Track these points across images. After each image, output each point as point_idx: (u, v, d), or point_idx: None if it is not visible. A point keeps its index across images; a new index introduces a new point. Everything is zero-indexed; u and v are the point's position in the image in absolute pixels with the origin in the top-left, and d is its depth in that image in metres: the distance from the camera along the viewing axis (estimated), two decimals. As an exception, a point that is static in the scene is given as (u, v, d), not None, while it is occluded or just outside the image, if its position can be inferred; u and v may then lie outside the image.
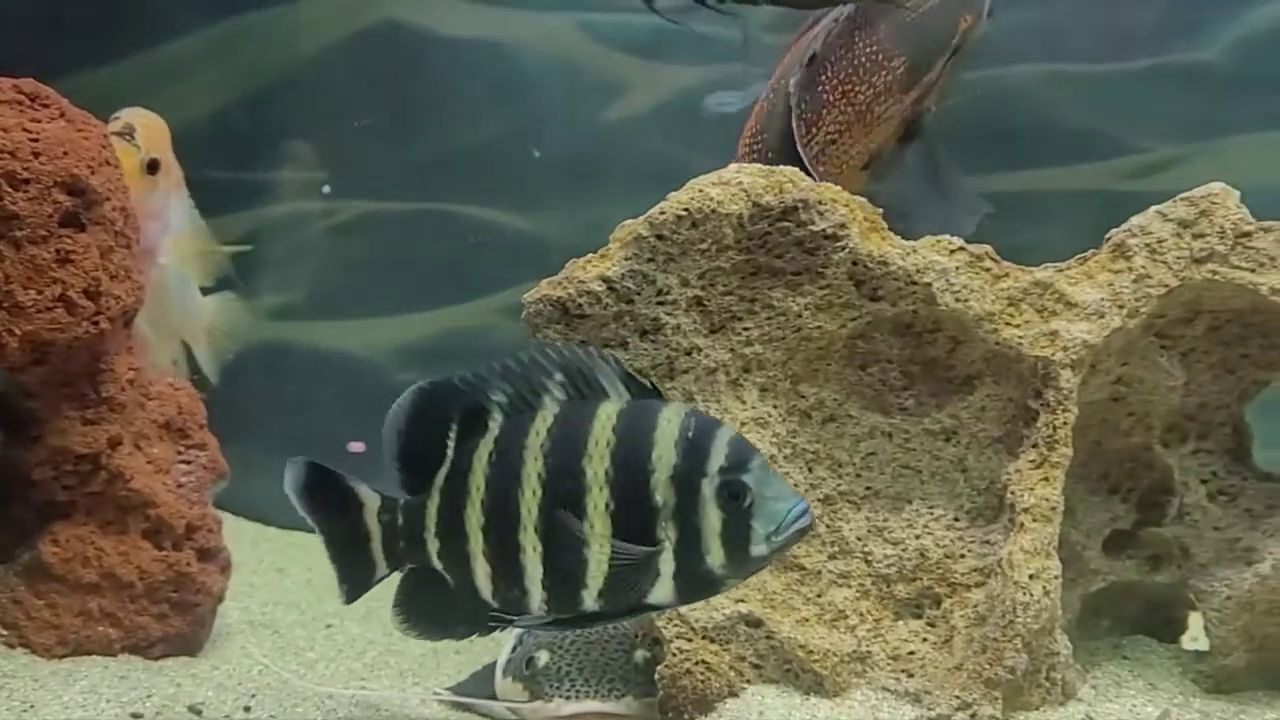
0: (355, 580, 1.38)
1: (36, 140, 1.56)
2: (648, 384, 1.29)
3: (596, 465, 1.24)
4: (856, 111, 2.13)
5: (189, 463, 1.90)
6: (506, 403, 1.31)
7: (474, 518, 1.29)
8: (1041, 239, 2.15)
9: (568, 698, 1.63)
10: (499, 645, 2.26)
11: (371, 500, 1.35)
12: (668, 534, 1.23)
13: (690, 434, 1.24)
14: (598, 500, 1.24)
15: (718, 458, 1.23)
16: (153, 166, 1.92)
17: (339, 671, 1.95)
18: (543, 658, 1.68)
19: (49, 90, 1.65)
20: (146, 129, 1.92)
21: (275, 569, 2.34)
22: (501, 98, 2.70)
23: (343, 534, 1.35)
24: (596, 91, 2.69)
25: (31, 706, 1.56)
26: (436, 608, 1.38)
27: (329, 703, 1.75)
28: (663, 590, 1.26)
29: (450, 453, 1.32)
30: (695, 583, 1.26)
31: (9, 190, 1.53)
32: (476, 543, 1.29)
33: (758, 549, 1.23)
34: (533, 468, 1.27)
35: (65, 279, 1.60)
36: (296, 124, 2.68)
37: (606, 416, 1.27)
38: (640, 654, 1.68)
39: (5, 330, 1.56)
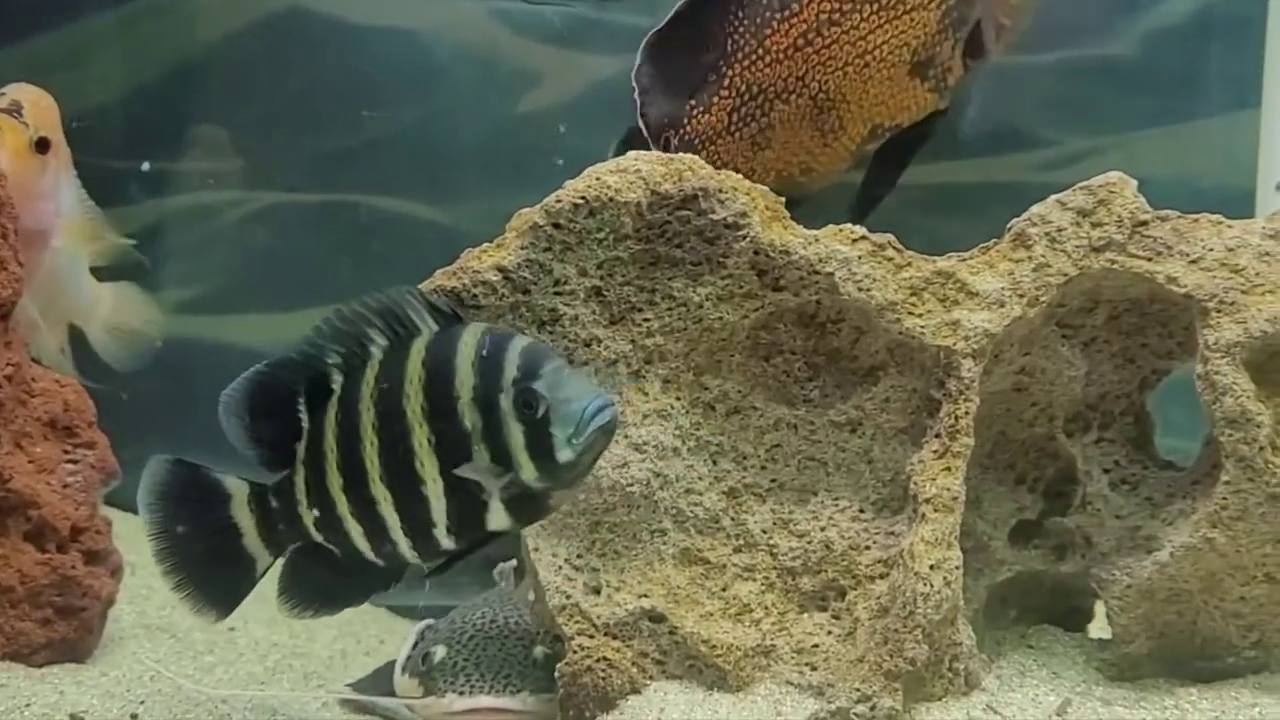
0: (229, 589, 1.34)
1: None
2: (450, 311, 1.33)
3: (414, 403, 1.26)
4: None
5: (76, 462, 1.82)
6: (342, 361, 1.31)
7: (334, 481, 1.28)
8: (958, 231, 2.15)
9: (461, 693, 1.60)
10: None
11: (240, 489, 1.32)
12: (480, 456, 1.24)
13: (484, 352, 1.27)
14: (421, 437, 1.25)
15: (510, 370, 1.25)
16: (42, 145, 1.84)
17: (238, 675, 1.90)
18: (439, 653, 1.65)
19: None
20: (35, 106, 1.83)
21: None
22: (413, 87, 2.64)
23: (208, 540, 1.31)
24: (510, 81, 2.65)
25: (-107, 721, 1.48)
26: (323, 582, 1.38)
27: (222, 707, 1.69)
28: (497, 515, 1.28)
29: (305, 424, 1.29)
30: (521, 502, 1.29)
31: None
32: (343, 505, 1.28)
33: (563, 454, 1.25)
34: (367, 419, 1.27)
35: (-66, 270, 1.53)
36: (199, 112, 2.59)
37: (416, 353, 1.29)
38: (539, 649, 1.65)
39: None
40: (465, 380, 1.27)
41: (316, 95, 2.61)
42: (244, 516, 1.32)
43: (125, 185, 2.46)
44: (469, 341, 1.29)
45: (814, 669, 1.57)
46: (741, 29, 1.98)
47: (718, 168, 1.60)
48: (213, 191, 2.59)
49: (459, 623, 1.74)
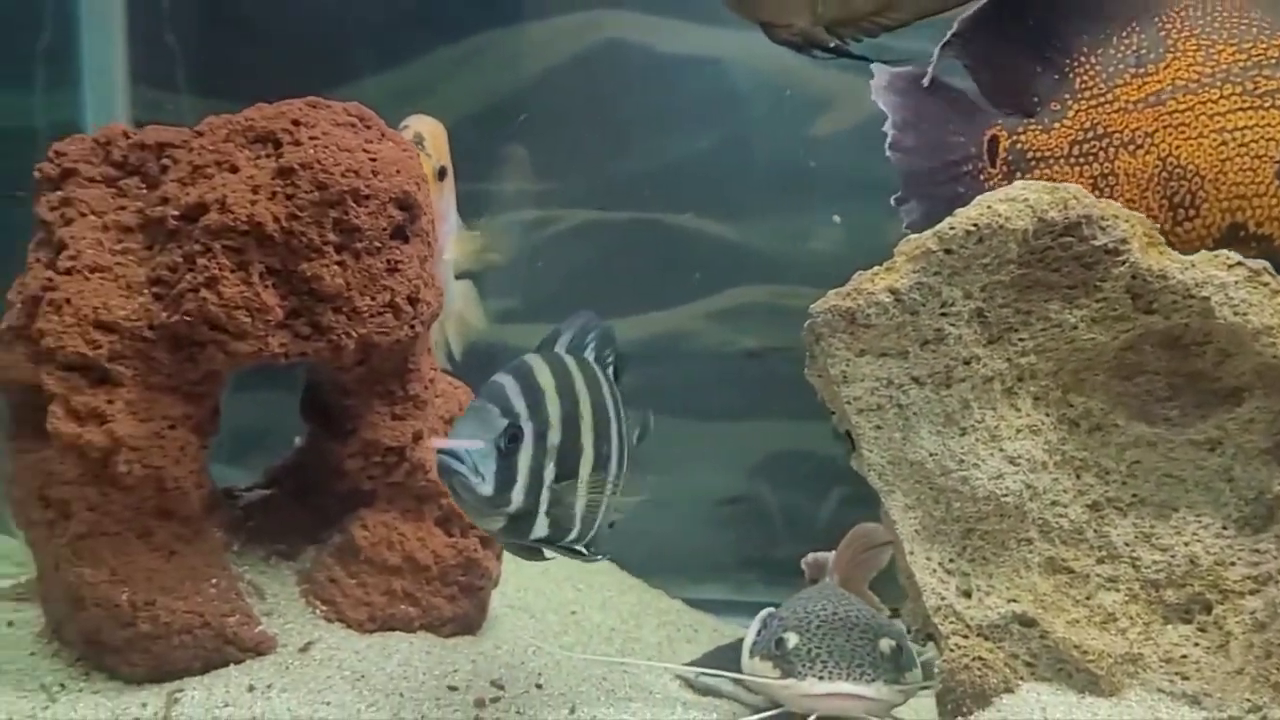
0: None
1: (375, 160, 1.71)
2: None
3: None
4: None
5: (467, 457, 2.04)
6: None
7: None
8: None
9: (820, 678, 1.74)
10: (722, 636, 2.38)
11: None
12: None
13: None
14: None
15: None
16: (442, 173, 2.07)
17: (595, 653, 2.08)
18: (792, 639, 1.78)
19: (371, 113, 1.81)
20: (434, 137, 2.06)
21: (510, 558, 2.48)
22: (713, 112, 2.82)
23: None
24: (804, 106, 2.78)
25: (362, 676, 1.71)
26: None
27: (605, 683, 1.87)
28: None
29: None
30: None
31: (353, 205, 1.68)
32: None
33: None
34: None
35: (393, 286, 1.75)
36: (523, 137, 2.83)
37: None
38: (885, 643, 1.77)
39: (344, 333, 1.71)
40: None
41: (627, 121, 2.81)
42: None
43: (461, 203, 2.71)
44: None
45: (1185, 678, 1.63)
46: (1089, 67, 2.02)
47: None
48: (532, 210, 2.82)
49: (803, 612, 1.86)
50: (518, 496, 1.43)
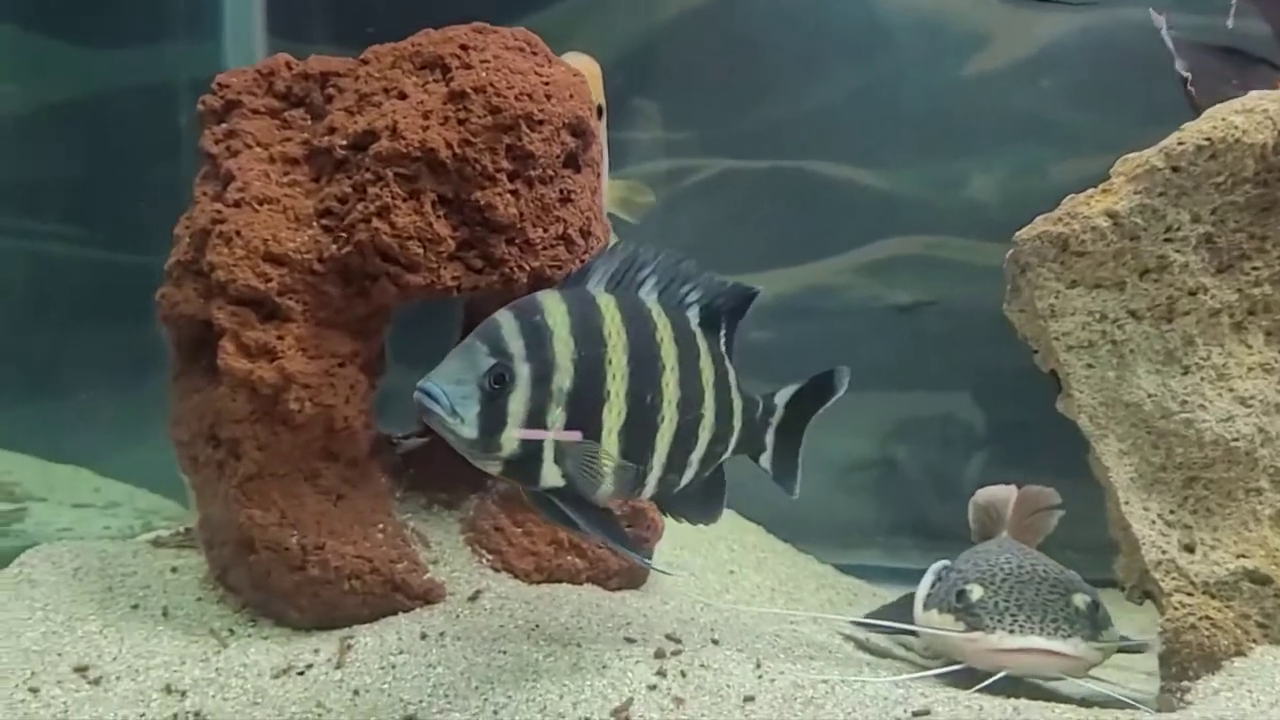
0: None
1: (548, 84, 1.62)
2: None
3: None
4: None
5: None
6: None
7: None
8: None
9: (1011, 631, 1.61)
10: (881, 600, 2.27)
11: None
12: None
13: None
14: None
15: None
16: (600, 112, 1.97)
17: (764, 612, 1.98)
18: (975, 591, 1.66)
19: (537, 38, 1.72)
20: (591, 75, 1.96)
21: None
22: (858, 53, 2.68)
23: None
24: (958, 44, 2.63)
25: (536, 626, 1.63)
26: None
27: (779, 640, 1.77)
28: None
29: None
30: None
31: (527, 131, 1.59)
32: None
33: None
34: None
35: (566, 217, 1.66)
36: (658, 83, 2.73)
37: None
38: (1079, 598, 1.64)
39: (517, 266, 1.63)
40: None
41: (768, 63, 2.68)
42: None
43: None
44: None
45: None
46: None
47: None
48: (667, 159, 2.71)
49: (985, 565, 1.74)
50: (510, 442, 1.31)
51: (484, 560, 1.79)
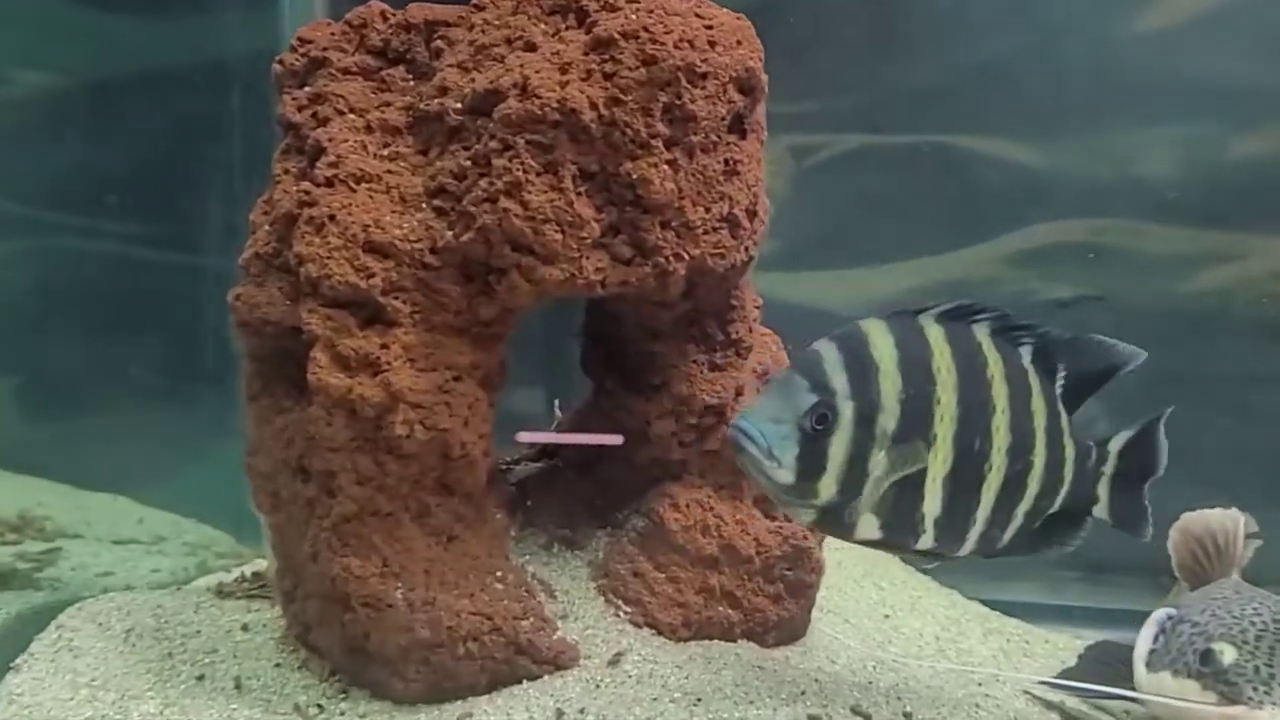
0: None
1: (711, 28, 1.31)
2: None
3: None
4: None
5: (784, 420, 1.63)
6: None
7: None
8: None
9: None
10: (1057, 648, 1.94)
11: None
12: None
13: None
14: None
15: None
16: None
17: (939, 671, 1.65)
18: (1228, 653, 1.34)
19: (690, -24, 1.40)
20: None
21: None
22: (1011, 7, 2.33)
23: None
24: (1123, -1, 2.28)
25: (697, 700, 1.32)
26: None
27: (976, 710, 1.45)
28: None
29: None
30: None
31: (688, 87, 1.28)
32: None
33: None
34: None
35: (732, 194, 1.35)
36: (774, 48, 2.41)
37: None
38: None
39: (674, 255, 1.31)
40: None
41: (907, 23, 2.35)
42: None
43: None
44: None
45: None
46: None
47: None
48: (794, 134, 2.39)
49: (1228, 617, 1.43)
50: (828, 488, 1.20)
51: (621, 613, 1.47)
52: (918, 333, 1.25)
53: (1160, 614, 1.55)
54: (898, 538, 1.26)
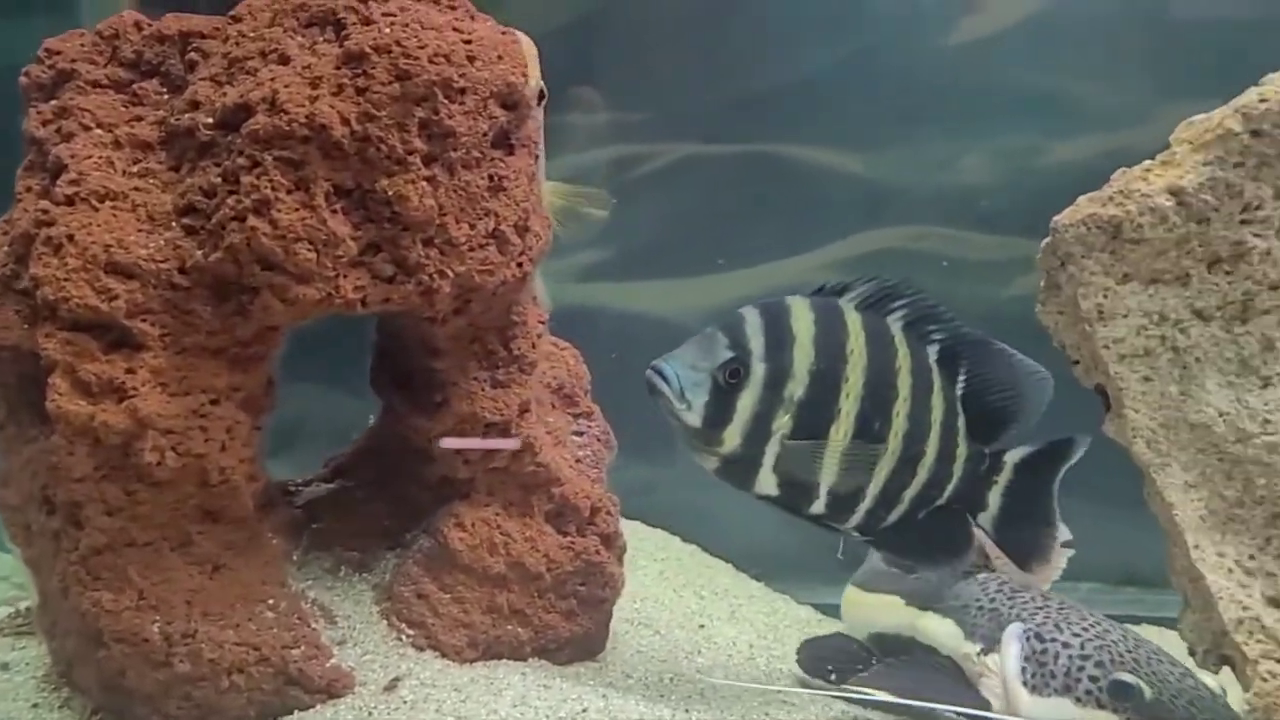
0: None
1: (470, 43, 1.29)
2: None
3: None
4: None
5: (582, 433, 1.63)
6: None
7: None
8: None
9: None
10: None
11: None
12: None
13: None
14: None
15: None
16: (540, 96, 1.62)
17: (743, 680, 1.66)
18: (1144, 689, 1.31)
19: (453, -13, 1.38)
20: (529, 56, 1.61)
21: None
22: (835, 19, 2.37)
23: None
24: (943, 8, 2.33)
25: (468, 722, 1.30)
26: None
27: (774, 717, 1.46)
28: None
29: None
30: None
31: (445, 102, 1.25)
32: None
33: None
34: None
35: (498, 210, 1.33)
36: (608, 61, 2.40)
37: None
38: (1212, 682, 1.33)
39: (438, 272, 1.29)
40: None
41: (733, 34, 2.37)
42: None
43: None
44: None
45: None
46: None
47: None
48: (622, 144, 2.38)
49: (1100, 640, 1.39)
50: (732, 439, 1.30)
51: (404, 636, 1.44)
52: (837, 315, 1.36)
53: (1017, 629, 1.50)
54: (792, 499, 1.36)
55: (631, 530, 2.31)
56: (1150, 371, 1.31)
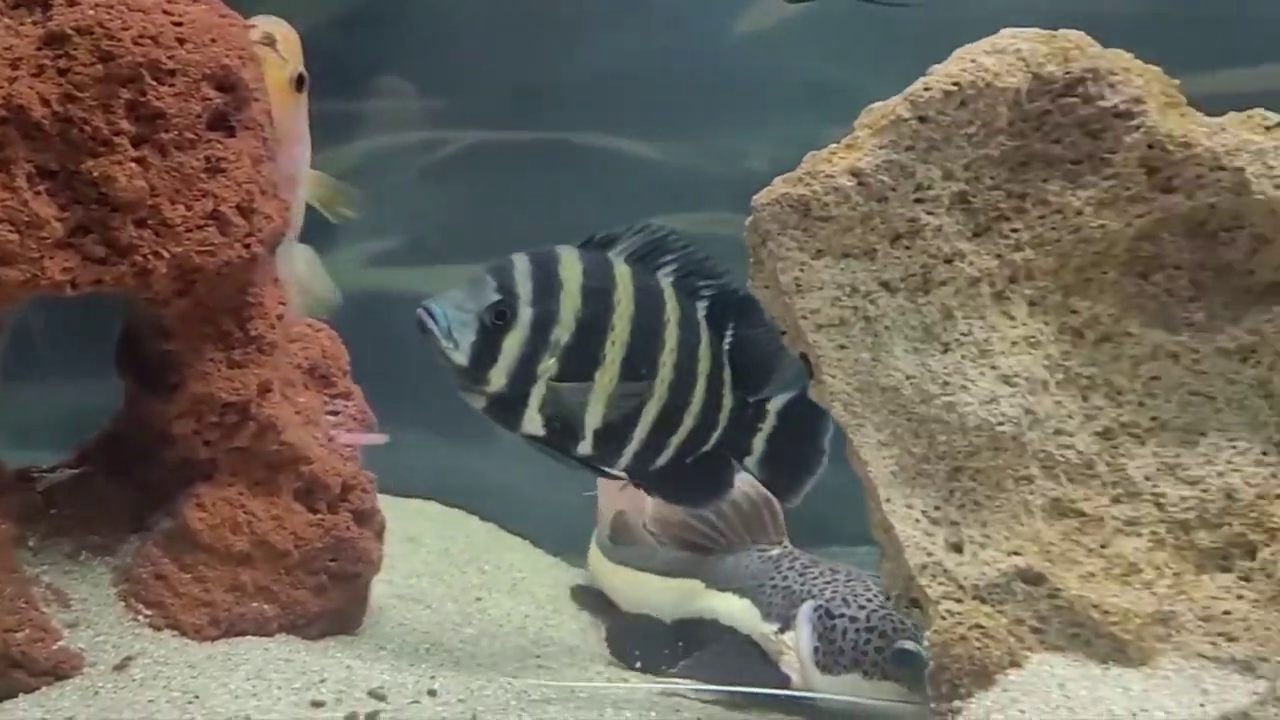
0: None
1: (180, 25, 1.30)
2: None
3: None
4: None
5: (337, 413, 1.66)
6: None
7: None
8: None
9: None
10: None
11: None
12: None
13: None
14: None
15: None
16: (300, 82, 1.64)
17: (506, 649, 1.72)
18: (921, 651, 1.41)
19: (169, -32, 1.39)
20: (287, 41, 1.62)
21: (406, 539, 2.10)
22: (629, 8, 2.43)
23: None
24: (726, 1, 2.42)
25: (196, 697, 1.32)
26: None
27: (514, 685, 1.51)
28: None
29: None
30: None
31: (153, 84, 1.27)
32: None
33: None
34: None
35: (216, 192, 1.35)
36: (396, 47, 2.41)
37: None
38: None
39: (152, 253, 1.31)
40: None
41: (526, 23, 2.41)
42: None
43: (322, 126, 2.28)
44: None
45: (1231, 640, 1.32)
46: None
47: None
48: (414, 131, 2.41)
49: (884, 608, 1.51)
50: (498, 378, 1.38)
51: (141, 617, 1.45)
52: (606, 266, 1.44)
53: (808, 608, 1.57)
54: (559, 440, 1.44)
55: (421, 509, 2.36)
56: (845, 340, 1.40)
